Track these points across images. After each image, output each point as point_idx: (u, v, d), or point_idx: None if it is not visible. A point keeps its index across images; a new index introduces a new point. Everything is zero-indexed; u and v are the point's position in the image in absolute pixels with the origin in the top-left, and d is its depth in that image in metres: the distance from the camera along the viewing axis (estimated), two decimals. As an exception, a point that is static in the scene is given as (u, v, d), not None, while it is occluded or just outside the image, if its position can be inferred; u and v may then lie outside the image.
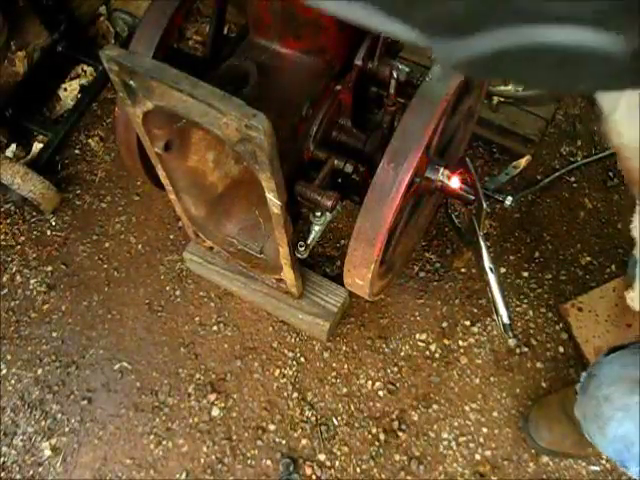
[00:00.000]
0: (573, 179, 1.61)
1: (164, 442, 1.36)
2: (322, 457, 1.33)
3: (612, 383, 0.90)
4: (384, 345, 1.43)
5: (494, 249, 1.51)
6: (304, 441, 1.35)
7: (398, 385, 1.39)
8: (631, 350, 0.95)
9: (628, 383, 0.88)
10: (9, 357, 1.48)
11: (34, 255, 1.60)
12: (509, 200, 1.17)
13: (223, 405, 1.39)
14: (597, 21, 0.34)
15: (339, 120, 1.13)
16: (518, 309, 1.45)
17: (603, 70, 0.39)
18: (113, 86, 0.83)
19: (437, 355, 1.42)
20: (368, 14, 0.38)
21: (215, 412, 1.38)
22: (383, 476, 1.31)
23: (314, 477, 1.31)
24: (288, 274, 1.18)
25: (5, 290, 1.56)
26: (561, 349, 1.40)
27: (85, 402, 1.42)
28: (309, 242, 1.11)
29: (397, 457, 1.32)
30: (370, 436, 1.34)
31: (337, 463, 1.32)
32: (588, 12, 0.34)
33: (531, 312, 1.45)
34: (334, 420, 1.36)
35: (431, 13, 0.37)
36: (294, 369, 1.42)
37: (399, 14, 0.38)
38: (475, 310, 1.46)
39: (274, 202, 0.88)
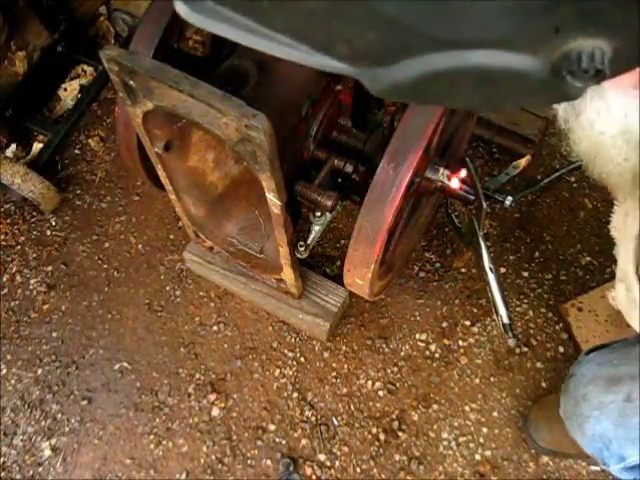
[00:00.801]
0: (573, 179, 1.61)
1: (164, 442, 1.36)
2: (322, 457, 1.33)
3: (589, 382, 0.91)
4: (384, 345, 1.43)
5: (494, 249, 1.51)
6: (304, 441, 1.35)
7: (398, 385, 1.39)
8: (609, 349, 0.96)
9: (603, 382, 0.89)
10: (9, 357, 1.48)
11: (34, 255, 1.60)
12: (509, 200, 1.17)
13: (223, 405, 1.39)
14: (507, 44, 0.35)
15: (339, 120, 1.13)
16: (518, 309, 1.45)
17: (523, 88, 0.40)
18: (113, 86, 0.83)
19: (437, 355, 1.42)
20: (297, 52, 0.39)
21: (215, 412, 1.38)
22: (383, 476, 1.31)
23: (314, 477, 1.31)
24: (288, 274, 1.18)
25: (5, 290, 1.56)
26: (561, 349, 1.40)
27: (85, 402, 1.42)
28: (309, 242, 1.12)
29: (397, 457, 1.32)
30: (370, 436, 1.34)
31: (337, 463, 1.32)
32: (497, 37, 0.35)
33: (531, 312, 1.45)
34: (334, 420, 1.36)
35: (352, 48, 0.38)
36: (294, 369, 1.42)
37: (323, 50, 0.39)
38: (475, 310, 1.46)
39: (274, 202, 0.88)
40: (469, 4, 0.33)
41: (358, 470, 1.32)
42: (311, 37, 0.38)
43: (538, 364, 1.39)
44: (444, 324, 1.45)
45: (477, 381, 1.39)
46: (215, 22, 0.38)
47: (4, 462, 1.37)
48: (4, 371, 1.47)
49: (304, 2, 0.35)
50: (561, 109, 0.63)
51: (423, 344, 1.43)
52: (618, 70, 0.38)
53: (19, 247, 1.62)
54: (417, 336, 1.44)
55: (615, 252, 0.81)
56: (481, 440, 1.33)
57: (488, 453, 1.32)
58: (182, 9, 0.38)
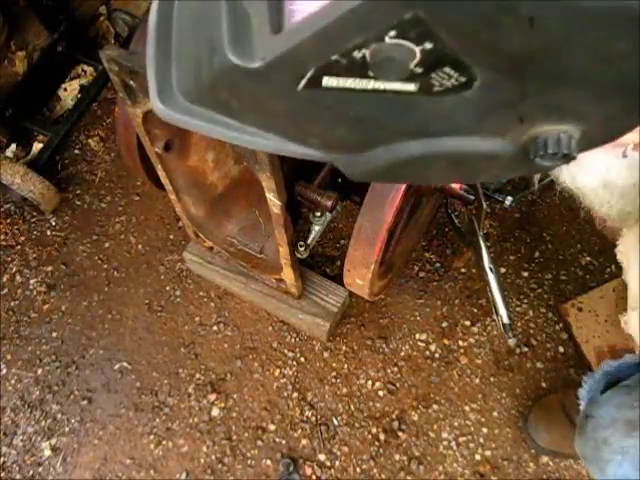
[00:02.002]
0: (573, 179, 1.61)
1: (164, 442, 1.36)
2: (322, 457, 1.33)
3: (609, 425, 0.91)
4: (384, 345, 1.43)
5: (494, 249, 1.51)
6: (304, 441, 1.35)
7: (398, 385, 1.39)
8: (626, 389, 0.96)
9: (624, 425, 0.90)
10: (9, 357, 1.48)
11: (34, 255, 1.60)
12: (509, 200, 1.17)
13: (223, 405, 1.39)
14: (474, 132, 0.36)
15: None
16: (518, 309, 1.45)
17: (495, 165, 0.41)
18: (113, 86, 0.83)
19: (437, 355, 1.42)
20: (271, 143, 0.40)
21: (215, 412, 1.38)
22: (383, 476, 1.31)
23: (314, 477, 1.31)
24: (288, 274, 1.18)
25: (5, 290, 1.56)
26: (561, 349, 1.40)
27: (85, 402, 1.42)
28: (309, 242, 1.12)
29: (397, 457, 1.32)
30: (370, 436, 1.34)
31: (337, 463, 1.32)
32: (463, 127, 0.36)
33: (531, 312, 1.45)
34: (334, 420, 1.36)
35: (323, 141, 0.40)
36: (294, 369, 1.42)
37: (296, 141, 0.41)
38: (475, 310, 1.46)
39: (274, 202, 0.88)
40: (429, 100, 0.34)
41: (358, 470, 1.32)
42: (283, 131, 0.40)
43: (538, 364, 1.39)
44: (444, 324, 1.45)
45: (477, 381, 1.39)
46: (190, 119, 0.40)
47: (4, 462, 1.37)
48: (4, 371, 1.47)
49: (271, 105, 0.37)
50: None
51: (423, 344, 1.43)
52: (588, 147, 0.39)
53: (19, 247, 1.62)
54: (417, 336, 1.44)
55: (624, 277, 0.81)
56: (481, 440, 1.33)
57: (488, 453, 1.32)
58: (159, 108, 0.40)
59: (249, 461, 1.33)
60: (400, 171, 0.42)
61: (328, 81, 0.33)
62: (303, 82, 0.33)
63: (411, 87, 0.33)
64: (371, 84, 0.33)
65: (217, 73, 0.35)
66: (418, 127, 0.37)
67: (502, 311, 1.10)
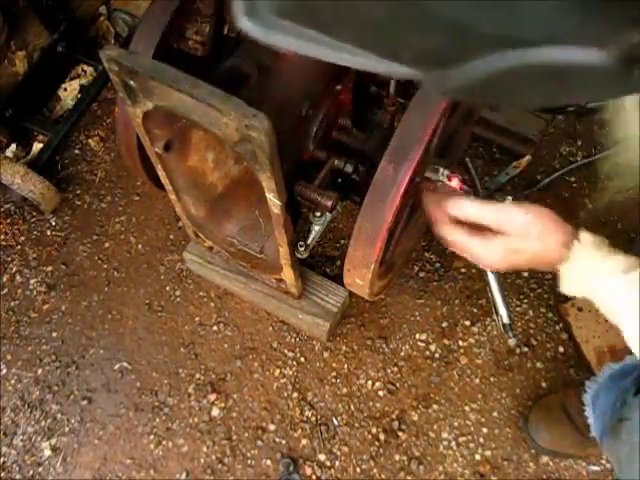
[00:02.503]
0: (573, 179, 1.61)
1: (164, 442, 1.36)
2: (322, 457, 1.33)
3: None
4: (384, 345, 1.43)
5: (494, 249, 1.51)
6: (304, 441, 1.35)
7: (398, 385, 1.39)
8: None
9: None
10: (9, 357, 1.48)
11: (34, 255, 1.60)
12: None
13: (223, 405, 1.39)
14: (574, 38, 0.35)
15: (339, 120, 1.13)
16: (518, 309, 1.45)
17: (591, 81, 0.39)
18: (113, 86, 0.83)
19: (437, 355, 1.42)
20: (361, 60, 0.40)
21: (215, 412, 1.38)
22: (383, 476, 1.31)
23: (314, 477, 1.31)
24: (288, 274, 1.17)
25: (5, 290, 1.56)
26: (561, 349, 1.40)
27: (85, 402, 1.42)
28: (309, 242, 1.12)
29: (397, 457, 1.32)
30: (370, 436, 1.34)
31: (337, 463, 1.32)
32: (564, 32, 0.35)
33: (531, 312, 1.45)
34: (334, 420, 1.36)
35: (416, 54, 0.39)
36: (294, 369, 1.42)
37: (389, 57, 0.39)
38: (475, 310, 1.46)
39: (274, 202, 0.88)
40: (529, 4, 0.33)
41: (358, 470, 1.32)
42: (375, 45, 0.39)
43: (538, 364, 1.39)
44: (444, 324, 1.45)
45: (477, 381, 1.39)
46: (281, 36, 0.39)
47: (4, 462, 1.37)
48: (4, 371, 1.47)
49: (362, 11, 0.36)
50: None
51: (423, 344, 1.43)
52: None
53: (19, 247, 1.62)
54: (417, 336, 1.44)
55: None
56: (481, 440, 1.33)
57: (488, 453, 1.32)
58: (247, 25, 0.39)
59: (249, 461, 1.33)
60: (495, 86, 0.41)
61: None
62: None
63: None
64: None
65: None
66: (512, 34, 0.35)
67: (502, 311, 1.10)
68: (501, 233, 0.74)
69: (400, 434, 1.34)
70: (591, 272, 0.69)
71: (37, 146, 1.69)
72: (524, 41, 0.36)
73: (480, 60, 0.37)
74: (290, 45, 0.39)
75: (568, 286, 0.72)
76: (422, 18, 0.36)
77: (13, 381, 1.45)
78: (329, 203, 1.00)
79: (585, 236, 0.71)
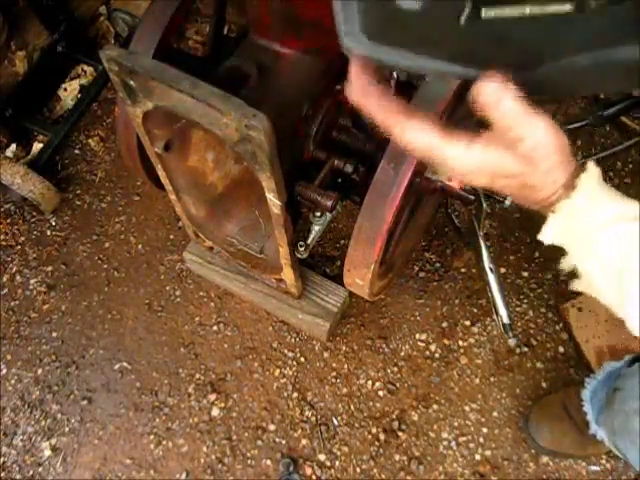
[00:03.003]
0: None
1: (164, 442, 1.36)
2: (322, 457, 1.33)
3: (638, 396, 0.89)
4: (384, 345, 1.43)
5: (494, 249, 1.51)
6: (304, 441, 1.35)
7: (398, 385, 1.39)
8: None
9: None
10: (9, 357, 1.48)
11: (34, 255, 1.60)
12: (509, 200, 1.17)
13: (223, 405, 1.39)
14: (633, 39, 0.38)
15: (339, 120, 1.13)
16: (518, 309, 1.45)
17: None
18: (113, 86, 0.83)
19: (437, 355, 1.42)
20: (438, 65, 0.44)
21: (215, 412, 1.38)
22: (383, 476, 1.31)
23: (314, 477, 1.31)
24: (288, 274, 1.17)
25: (5, 290, 1.56)
26: (561, 349, 1.40)
27: (85, 402, 1.42)
28: (309, 242, 1.12)
29: (397, 457, 1.32)
30: (370, 436, 1.34)
31: (337, 463, 1.32)
32: (625, 34, 0.38)
33: (531, 312, 1.45)
34: (334, 420, 1.36)
35: (491, 64, 0.42)
36: (294, 369, 1.42)
37: (464, 64, 0.44)
38: (475, 310, 1.46)
39: (274, 202, 0.88)
40: (584, 17, 0.36)
41: (358, 470, 1.32)
42: (452, 59, 0.44)
43: (538, 364, 1.39)
44: (444, 324, 1.45)
45: (477, 381, 1.39)
46: (374, 53, 0.45)
47: (4, 462, 1.37)
48: (4, 371, 1.47)
49: (441, 40, 0.42)
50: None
51: (423, 344, 1.43)
52: None
53: (19, 247, 1.62)
54: (417, 336, 1.44)
55: None
56: (481, 440, 1.33)
57: (488, 453, 1.32)
58: (349, 46, 0.46)
59: (249, 461, 1.33)
60: (573, 83, 0.44)
61: (487, 12, 0.37)
62: (464, 16, 0.37)
63: (566, 7, 0.35)
64: (527, 10, 0.36)
65: (388, 16, 0.41)
66: (579, 43, 0.39)
67: (502, 311, 1.10)
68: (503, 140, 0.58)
69: (400, 434, 1.34)
70: (591, 216, 0.58)
71: (37, 146, 1.69)
72: (589, 47, 0.40)
73: (552, 64, 0.41)
74: (382, 60, 0.46)
75: (554, 231, 0.60)
76: (490, 42, 0.41)
77: (13, 381, 1.45)
78: (329, 203, 1.00)
79: (592, 170, 0.59)
